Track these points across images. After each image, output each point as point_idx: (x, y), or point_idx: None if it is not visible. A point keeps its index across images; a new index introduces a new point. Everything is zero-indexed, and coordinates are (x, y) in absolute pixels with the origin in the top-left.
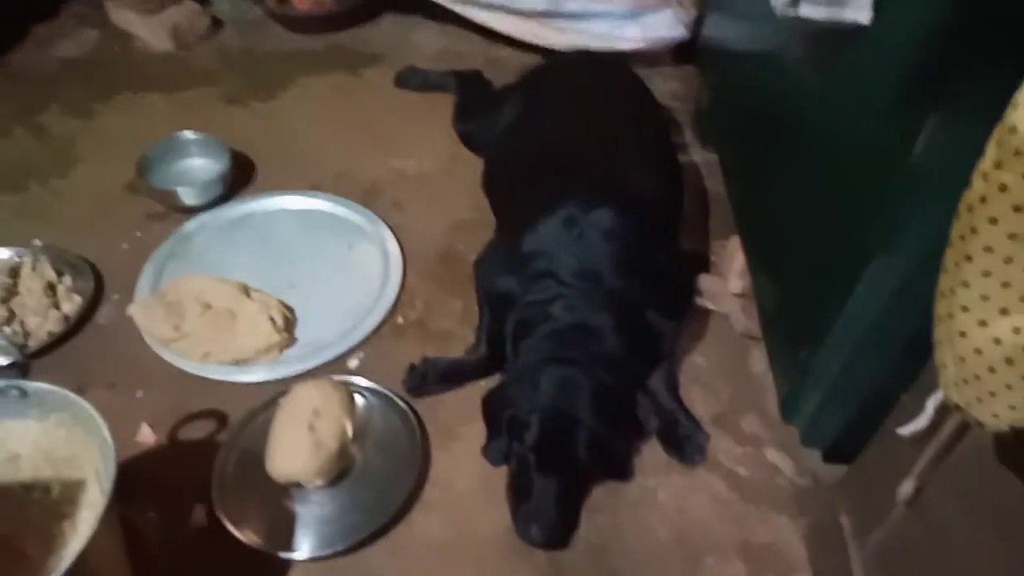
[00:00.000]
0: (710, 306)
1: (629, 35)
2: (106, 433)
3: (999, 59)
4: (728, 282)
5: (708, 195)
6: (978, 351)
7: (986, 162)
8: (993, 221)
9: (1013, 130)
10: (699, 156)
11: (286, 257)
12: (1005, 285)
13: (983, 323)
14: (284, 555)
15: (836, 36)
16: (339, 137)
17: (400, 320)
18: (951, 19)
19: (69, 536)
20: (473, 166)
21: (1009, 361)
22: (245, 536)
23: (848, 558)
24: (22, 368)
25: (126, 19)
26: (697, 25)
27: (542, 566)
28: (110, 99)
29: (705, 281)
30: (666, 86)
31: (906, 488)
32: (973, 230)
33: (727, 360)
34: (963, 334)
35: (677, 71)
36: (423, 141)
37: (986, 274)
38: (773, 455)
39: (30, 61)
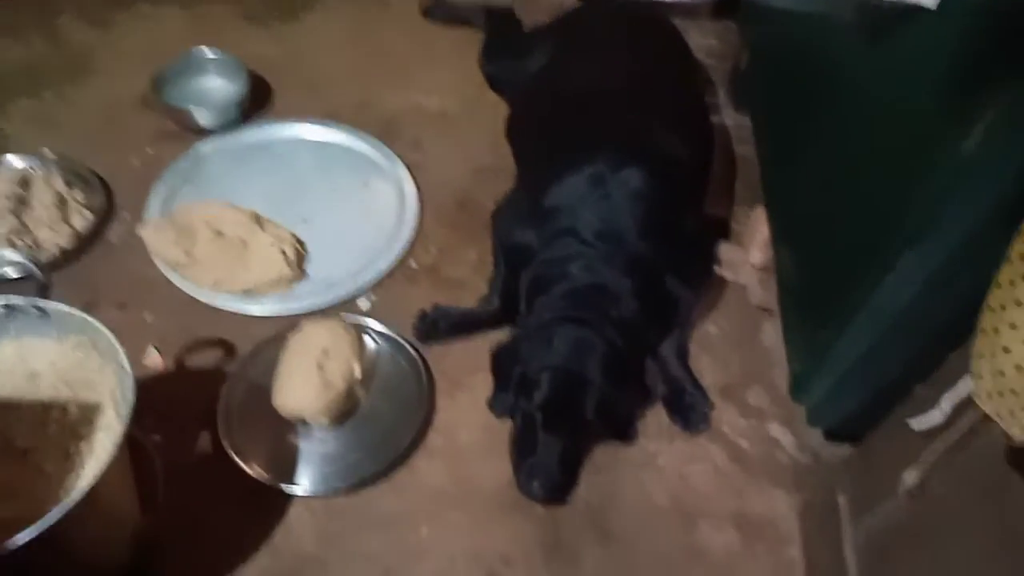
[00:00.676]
0: (728, 276)
1: None
2: (124, 361)
3: None
4: (749, 253)
5: (737, 160)
6: (1018, 367)
7: None
8: None
9: None
10: (731, 119)
11: (300, 189)
12: None
13: None
14: (286, 488)
15: (898, 18)
16: (360, 66)
17: (413, 264)
18: (1016, 8)
19: (85, 456)
20: (497, 110)
21: None
22: (248, 467)
23: (840, 538)
24: (42, 287)
25: None
26: None
27: (540, 520)
28: (128, 7)
29: (726, 250)
30: (703, 41)
31: (910, 477)
32: None
33: (739, 331)
34: (1006, 350)
35: (715, 26)
36: (447, 78)
37: None
38: (776, 430)
39: None
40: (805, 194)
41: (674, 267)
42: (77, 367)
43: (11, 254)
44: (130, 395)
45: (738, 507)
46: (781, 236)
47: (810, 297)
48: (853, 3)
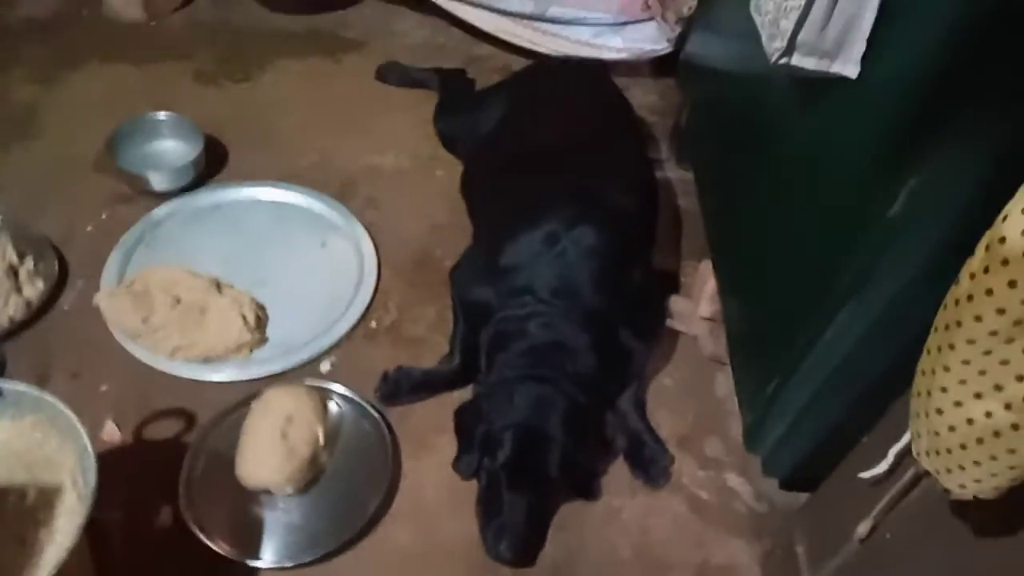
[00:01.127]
0: (679, 328)
1: (612, 44)
2: (86, 440)
3: (981, 124)
4: (698, 305)
5: (681, 213)
6: (952, 428)
7: (975, 264)
8: (978, 319)
9: (1002, 240)
10: (674, 173)
11: (258, 251)
12: (982, 373)
13: (958, 404)
14: (251, 563)
15: (823, 84)
16: (315, 126)
17: (373, 324)
18: (934, 80)
19: (45, 543)
20: (451, 168)
21: (980, 441)
22: (211, 541)
23: None
24: None
25: None
26: (680, 40)
27: None
28: (77, 67)
29: (675, 303)
30: (644, 99)
31: (863, 527)
32: (958, 323)
33: (693, 382)
34: (939, 411)
35: (656, 84)
36: (401, 137)
37: (966, 362)
38: (733, 480)
39: None
40: (748, 247)
41: (627, 321)
42: (35, 447)
43: None
44: (92, 477)
45: (701, 558)
46: (727, 288)
47: (757, 348)
48: (783, 71)
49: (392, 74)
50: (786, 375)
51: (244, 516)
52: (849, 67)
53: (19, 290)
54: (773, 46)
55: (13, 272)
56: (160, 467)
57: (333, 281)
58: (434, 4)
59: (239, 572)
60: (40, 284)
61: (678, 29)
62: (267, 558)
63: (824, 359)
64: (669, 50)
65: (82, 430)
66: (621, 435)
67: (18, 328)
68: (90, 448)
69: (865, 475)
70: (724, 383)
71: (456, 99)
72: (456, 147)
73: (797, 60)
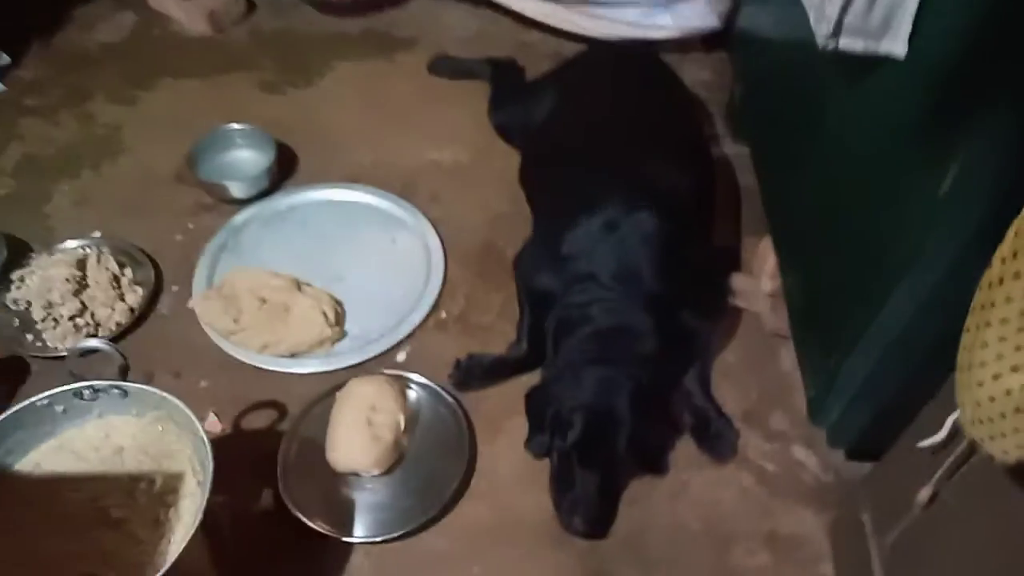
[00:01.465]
0: (742, 304)
1: (661, 23)
2: (201, 432)
3: None
4: (760, 281)
5: (740, 189)
6: (992, 399)
7: (1004, 249)
8: (1008, 300)
9: None
10: (731, 148)
11: (333, 250)
12: (1017, 348)
13: (997, 376)
14: (344, 538)
15: (872, 63)
16: (375, 126)
17: (443, 314)
18: (979, 56)
19: (174, 522)
20: (508, 158)
21: (1018, 410)
22: (309, 519)
23: (868, 553)
24: (123, 369)
25: (162, 2)
26: (731, 15)
27: (582, 552)
28: (152, 85)
29: (737, 280)
30: (697, 74)
31: (924, 494)
32: (992, 303)
33: (757, 358)
34: (980, 384)
35: (708, 58)
36: (458, 130)
37: (1002, 339)
38: (799, 451)
39: (72, 46)
40: (804, 222)
41: (689, 301)
42: (157, 440)
43: (97, 343)
44: (209, 463)
45: (769, 528)
46: (787, 263)
47: (818, 322)
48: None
49: (443, 67)
50: (847, 349)
51: (336, 497)
52: (897, 46)
53: (122, 298)
54: (820, 29)
55: (116, 281)
56: (258, 454)
57: (404, 275)
58: None
59: (334, 546)
60: (139, 291)
61: (728, 4)
62: (359, 534)
63: (882, 333)
64: (719, 27)
65: (197, 423)
66: (687, 412)
67: (123, 333)
68: (205, 439)
69: (924, 443)
70: (787, 357)
71: (509, 90)
72: (512, 137)
73: (844, 43)
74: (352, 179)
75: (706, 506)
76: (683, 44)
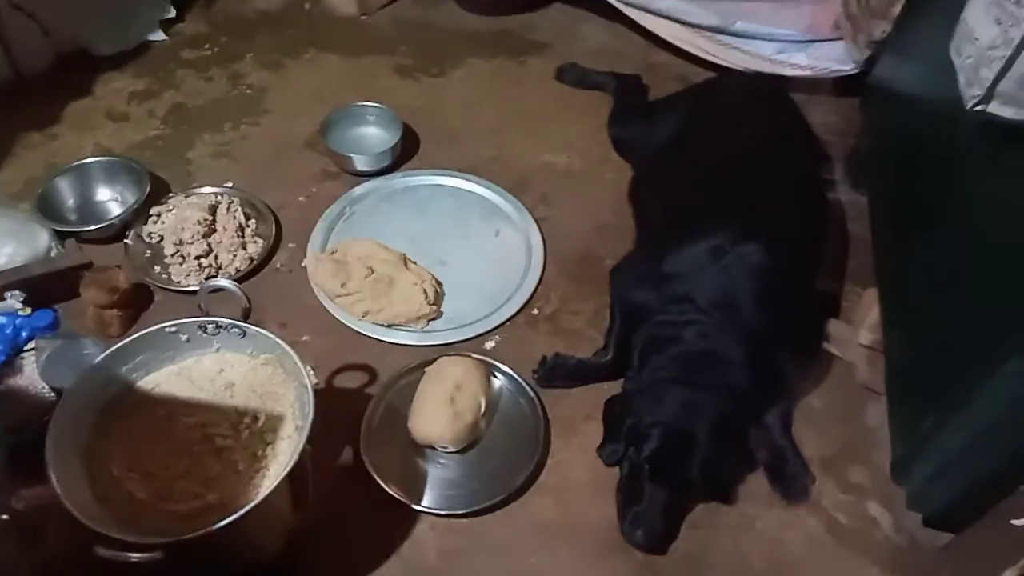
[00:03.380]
0: (835, 352)
1: (796, 61)
2: (307, 380)
3: None
4: (858, 332)
5: (850, 237)
6: None
7: None
8: None
9: None
10: (847, 196)
11: (440, 233)
12: None
13: None
14: (414, 506)
15: (1019, 133)
16: (497, 122)
17: (536, 311)
18: None
19: (271, 459)
20: (621, 171)
21: None
22: (383, 482)
23: None
24: (246, 311)
25: None
26: (869, 63)
27: (639, 565)
28: (298, 55)
29: (834, 326)
30: (825, 117)
31: (1009, 574)
32: None
33: (843, 408)
34: None
35: (837, 102)
36: (576, 139)
37: None
38: (874, 508)
39: (232, 8)
40: (920, 282)
41: (784, 340)
42: (266, 381)
43: (228, 284)
44: (310, 411)
45: None
46: (893, 319)
47: (917, 382)
48: (976, 120)
49: (570, 75)
50: (945, 414)
51: (411, 465)
52: None
53: (244, 246)
54: (971, 92)
55: (241, 230)
56: (346, 413)
57: (503, 268)
58: (618, 10)
59: (403, 513)
60: (260, 243)
61: (868, 52)
62: (426, 504)
63: (988, 405)
64: (855, 71)
65: (304, 371)
66: (764, 449)
67: (241, 279)
68: (309, 387)
69: (1018, 522)
70: (875, 413)
71: (632, 106)
72: (628, 153)
73: (995, 108)
74: (468, 170)
75: (770, 544)
76: (814, 84)
